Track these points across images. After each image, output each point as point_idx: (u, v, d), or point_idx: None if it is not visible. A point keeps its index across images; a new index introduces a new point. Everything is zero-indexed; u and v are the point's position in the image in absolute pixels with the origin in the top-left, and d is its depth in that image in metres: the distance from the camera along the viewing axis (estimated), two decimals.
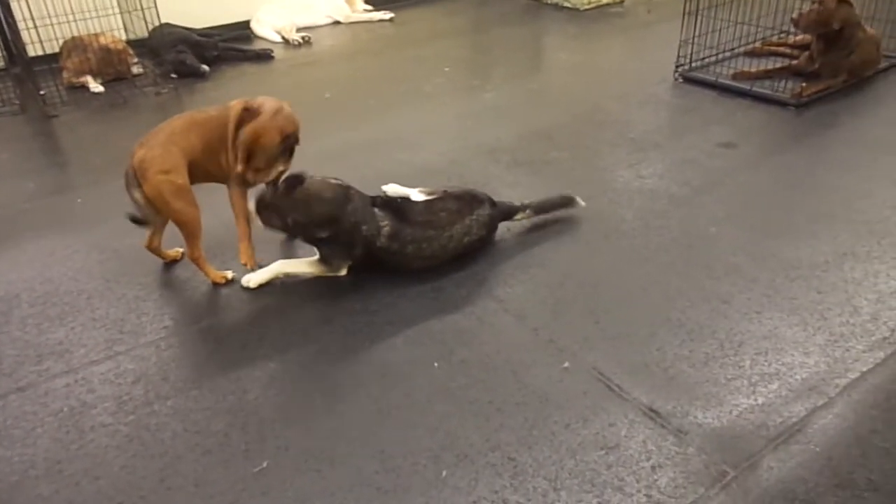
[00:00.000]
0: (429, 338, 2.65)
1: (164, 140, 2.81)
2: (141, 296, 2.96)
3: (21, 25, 4.98)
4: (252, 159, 2.82)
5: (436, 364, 2.52)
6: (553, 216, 3.35)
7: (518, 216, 3.28)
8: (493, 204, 3.16)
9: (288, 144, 2.89)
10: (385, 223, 2.91)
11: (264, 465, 2.15)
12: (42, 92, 5.02)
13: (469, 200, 3.09)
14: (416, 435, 2.23)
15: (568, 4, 7.10)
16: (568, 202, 3.38)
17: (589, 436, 2.20)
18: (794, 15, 4.52)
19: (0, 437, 2.29)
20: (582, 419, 2.26)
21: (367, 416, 2.32)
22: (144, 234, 3.04)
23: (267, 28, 6.66)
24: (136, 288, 3.01)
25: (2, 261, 3.26)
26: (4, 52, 5.53)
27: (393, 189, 3.49)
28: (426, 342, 2.63)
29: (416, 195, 3.10)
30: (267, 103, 2.88)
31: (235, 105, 2.91)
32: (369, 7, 7.25)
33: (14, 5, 4.89)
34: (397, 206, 2.99)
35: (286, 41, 6.52)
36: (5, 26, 5.23)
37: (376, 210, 2.93)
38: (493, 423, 2.26)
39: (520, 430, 2.22)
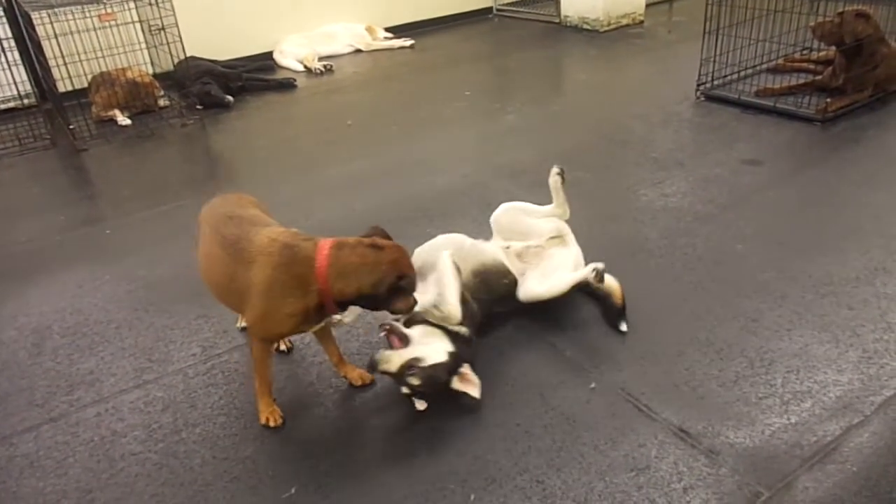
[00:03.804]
0: None
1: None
2: (169, 325, 2.99)
3: (51, 63, 5.11)
4: None
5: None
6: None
7: None
8: None
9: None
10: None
11: (292, 490, 2.15)
12: (72, 126, 5.14)
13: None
14: (443, 459, 2.22)
15: (587, 26, 7.13)
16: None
17: (618, 457, 2.17)
18: (812, 23, 4.52)
19: (33, 468, 2.31)
20: (611, 440, 2.23)
21: (394, 440, 2.31)
22: (171, 263, 3.06)
23: (289, 58, 6.77)
24: (164, 317, 3.04)
25: (34, 292, 3.31)
26: (36, 90, 5.67)
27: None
28: None
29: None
30: None
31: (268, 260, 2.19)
32: (390, 35, 7.34)
33: (45, 44, 5.01)
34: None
35: (308, 70, 6.61)
36: (37, 64, 5.36)
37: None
38: (520, 445, 2.24)
39: (548, 453, 2.20)
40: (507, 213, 2.95)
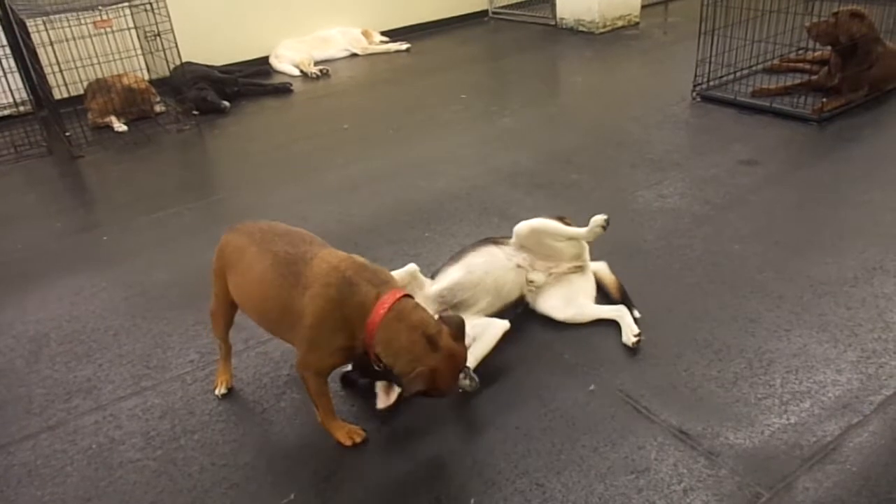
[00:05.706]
0: None
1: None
2: (166, 331, 2.99)
3: (47, 70, 5.11)
4: None
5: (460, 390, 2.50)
6: None
7: None
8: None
9: None
10: None
11: (291, 496, 2.14)
12: (68, 133, 5.13)
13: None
14: (442, 463, 2.21)
15: (583, 28, 7.14)
16: None
17: (618, 459, 2.16)
18: (808, 24, 4.53)
19: (31, 477, 2.30)
20: (610, 442, 2.22)
21: (392, 445, 2.30)
22: (169, 269, 3.06)
23: (286, 63, 6.77)
24: (161, 323, 3.04)
25: (31, 300, 3.31)
26: (31, 97, 5.67)
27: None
28: None
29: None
30: None
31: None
32: (386, 39, 7.34)
33: (40, 51, 5.01)
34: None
35: (305, 74, 6.61)
36: (32, 72, 5.36)
37: None
38: (520, 448, 2.23)
39: (547, 456, 2.20)
40: (531, 233, 2.81)
